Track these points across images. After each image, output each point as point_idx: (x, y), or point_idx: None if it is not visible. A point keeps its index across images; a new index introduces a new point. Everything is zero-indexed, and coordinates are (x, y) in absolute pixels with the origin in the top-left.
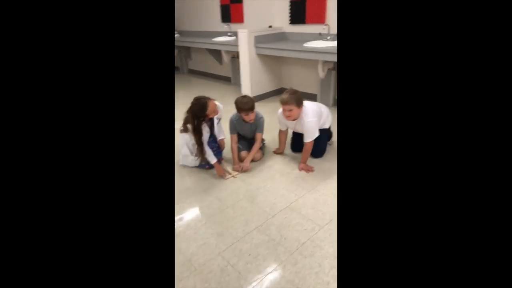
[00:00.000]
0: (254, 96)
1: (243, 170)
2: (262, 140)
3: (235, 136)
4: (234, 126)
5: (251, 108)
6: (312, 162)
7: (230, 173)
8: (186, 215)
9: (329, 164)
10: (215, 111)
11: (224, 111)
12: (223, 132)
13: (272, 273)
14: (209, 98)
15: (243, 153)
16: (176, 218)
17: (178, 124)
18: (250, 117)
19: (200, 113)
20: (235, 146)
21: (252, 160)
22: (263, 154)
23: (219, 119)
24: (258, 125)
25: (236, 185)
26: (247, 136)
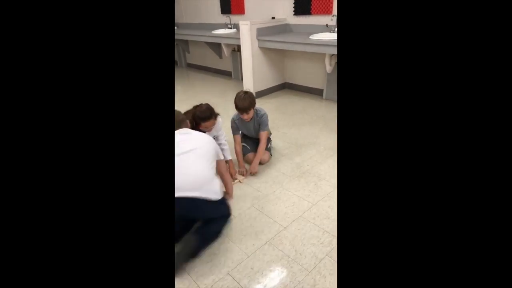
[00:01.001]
0: (256, 92)
1: (251, 174)
2: (269, 139)
3: (238, 137)
4: (236, 125)
5: (246, 108)
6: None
7: (235, 178)
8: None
9: None
10: (209, 129)
11: (228, 108)
12: (229, 152)
13: None
14: (215, 114)
15: (250, 154)
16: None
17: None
18: (244, 117)
19: (198, 119)
20: (238, 148)
21: (260, 163)
22: (270, 155)
23: (215, 136)
24: (261, 122)
25: (243, 191)
26: (252, 136)
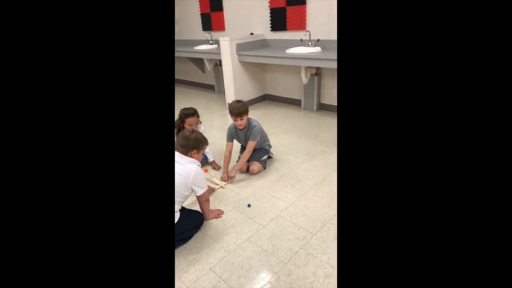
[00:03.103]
0: None
1: (229, 179)
2: (267, 152)
3: (230, 144)
4: (231, 133)
5: (239, 114)
6: (303, 168)
7: (217, 184)
8: None
9: (316, 170)
10: (193, 127)
11: (212, 119)
12: (211, 154)
13: (266, 286)
14: (198, 114)
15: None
16: None
17: None
18: (238, 123)
19: (183, 116)
20: (228, 154)
21: (251, 173)
22: (264, 167)
23: None
24: (251, 133)
25: (225, 196)
26: (244, 145)
